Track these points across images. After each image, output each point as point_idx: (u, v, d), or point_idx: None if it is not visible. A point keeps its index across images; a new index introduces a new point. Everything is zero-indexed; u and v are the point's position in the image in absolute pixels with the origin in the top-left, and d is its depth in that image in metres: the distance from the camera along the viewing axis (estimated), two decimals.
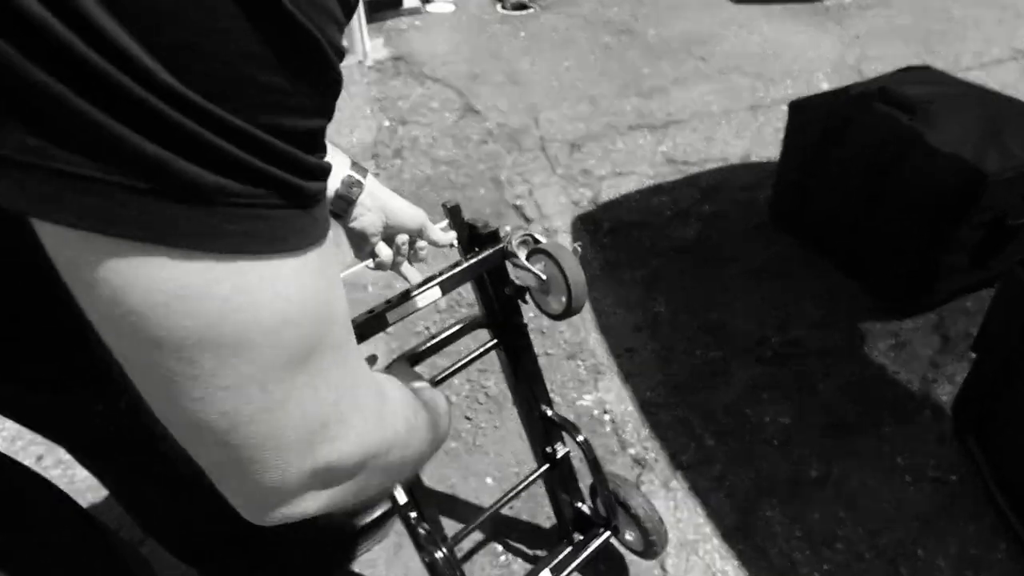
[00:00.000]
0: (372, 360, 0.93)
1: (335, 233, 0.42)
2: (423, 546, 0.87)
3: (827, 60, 2.89)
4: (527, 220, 2.08)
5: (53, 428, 0.71)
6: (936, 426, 1.40)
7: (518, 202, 2.15)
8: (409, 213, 0.78)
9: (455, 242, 0.87)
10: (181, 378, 0.27)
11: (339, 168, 0.72)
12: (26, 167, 0.23)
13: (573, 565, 1.04)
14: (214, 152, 0.25)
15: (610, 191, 2.18)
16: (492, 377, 1.55)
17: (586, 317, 1.72)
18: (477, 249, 0.85)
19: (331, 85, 0.30)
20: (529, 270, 0.83)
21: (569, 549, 1.08)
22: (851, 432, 1.40)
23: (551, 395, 1.49)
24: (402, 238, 0.79)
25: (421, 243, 0.83)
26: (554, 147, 2.40)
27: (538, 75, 2.89)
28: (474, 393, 1.52)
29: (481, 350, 0.95)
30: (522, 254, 0.84)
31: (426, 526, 0.88)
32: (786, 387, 1.51)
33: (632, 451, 1.38)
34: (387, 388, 0.43)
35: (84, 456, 0.78)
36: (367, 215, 0.74)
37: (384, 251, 0.79)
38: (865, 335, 1.64)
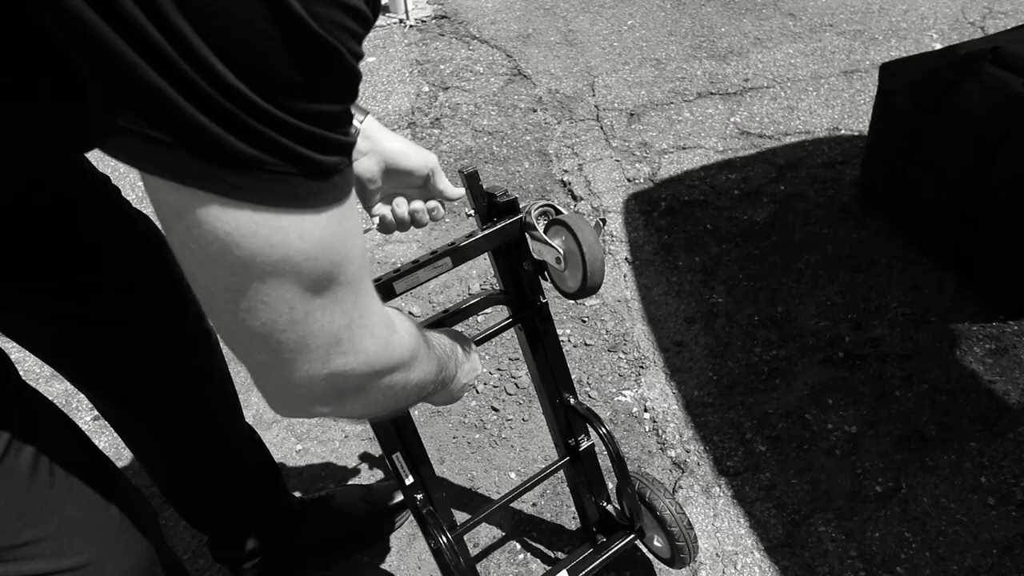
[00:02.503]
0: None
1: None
2: (428, 530, 0.96)
3: (944, 16, 2.80)
4: (575, 198, 2.14)
5: (90, 373, 0.89)
6: None
7: (566, 178, 2.21)
8: (414, 158, 0.81)
9: (471, 210, 0.94)
10: (235, 292, 0.43)
11: None
12: (130, 133, 0.39)
13: (592, 567, 1.11)
14: (253, 132, 0.39)
15: (671, 167, 2.21)
16: (524, 367, 1.63)
17: (633, 306, 1.77)
18: (495, 220, 0.92)
19: (349, 81, 0.42)
20: (546, 243, 0.89)
21: (590, 551, 1.15)
22: (929, 445, 1.41)
23: (587, 388, 1.57)
24: (404, 201, 0.84)
25: (432, 203, 0.87)
26: (610, 116, 2.45)
27: (598, 34, 2.93)
28: (503, 383, 1.61)
29: (497, 327, 1.03)
30: (541, 226, 0.91)
31: (432, 509, 0.97)
32: (857, 392, 1.52)
33: (672, 453, 1.44)
34: (397, 323, 0.57)
35: (117, 409, 0.93)
36: (361, 160, 0.78)
37: (383, 210, 0.84)
38: (958, 337, 1.62)
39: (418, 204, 0.86)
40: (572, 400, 1.10)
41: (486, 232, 0.90)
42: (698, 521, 1.31)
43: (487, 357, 1.67)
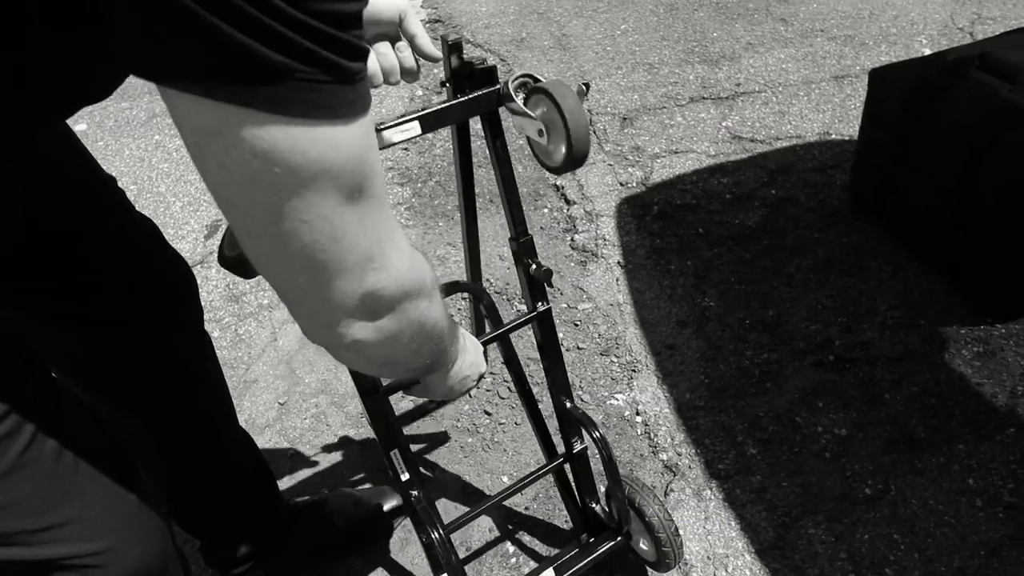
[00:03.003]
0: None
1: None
2: (421, 525, 0.97)
3: (933, 21, 2.83)
4: (568, 202, 2.15)
5: (89, 372, 0.89)
6: (1020, 446, 1.40)
7: (558, 182, 2.22)
8: (380, 5, 0.75)
9: (448, 81, 0.86)
10: (275, 213, 0.43)
11: None
12: (158, 53, 0.39)
13: (578, 567, 1.12)
14: (279, 38, 0.38)
15: (663, 171, 2.23)
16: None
17: (625, 310, 1.79)
18: (469, 90, 0.86)
19: None
20: (526, 114, 0.82)
21: (577, 550, 1.16)
22: (918, 448, 1.42)
23: (579, 392, 1.58)
24: (388, 46, 0.78)
25: (404, 51, 0.80)
26: (603, 121, 2.46)
27: (591, 39, 2.95)
28: (496, 387, 1.62)
29: (508, 326, 1.05)
30: (520, 98, 0.83)
31: (425, 505, 0.98)
32: (847, 395, 1.54)
33: (664, 456, 1.45)
34: (416, 251, 0.58)
35: (116, 407, 0.95)
36: None
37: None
38: (947, 340, 1.64)
39: (402, 44, 0.80)
40: (568, 404, 1.12)
41: (460, 100, 0.85)
42: (689, 524, 1.32)
43: None
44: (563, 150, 0.79)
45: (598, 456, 1.10)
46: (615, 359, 1.67)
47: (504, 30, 3.08)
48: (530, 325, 1.06)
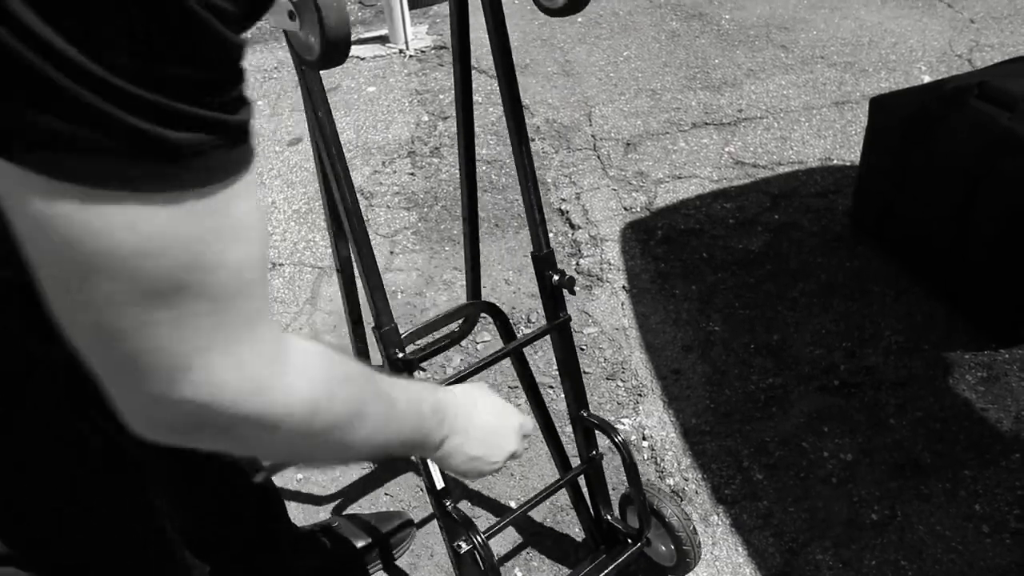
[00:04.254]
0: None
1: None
2: (456, 534, 1.00)
3: (932, 49, 2.88)
4: (572, 226, 2.18)
5: None
6: None
7: (563, 206, 2.25)
8: None
9: None
10: (61, 288, 0.37)
11: None
12: None
13: None
14: (62, 94, 0.32)
15: (667, 196, 2.26)
16: (523, 395, 1.65)
17: (631, 334, 1.81)
18: None
19: (209, 42, 0.35)
20: None
21: (596, 563, 1.18)
22: (924, 473, 1.43)
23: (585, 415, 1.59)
24: None
25: None
26: (607, 146, 2.50)
27: (594, 65, 3.00)
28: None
29: (528, 338, 1.11)
30: None
31: (461, 511, 1.01)
32: (852, 420, 1.55)
33: (671, 481, 1.46)
34: (296, 363, 0.46)
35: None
36: None
37: None
38: (951, 365, 1.65)
39: None
40: (586, 413, 1.17)
41: None
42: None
43: (487, 384, 1.69)
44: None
45: (610, 468, 1.12)
46: (621, 383, 1.68)
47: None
48: (545, 337, 1.12)
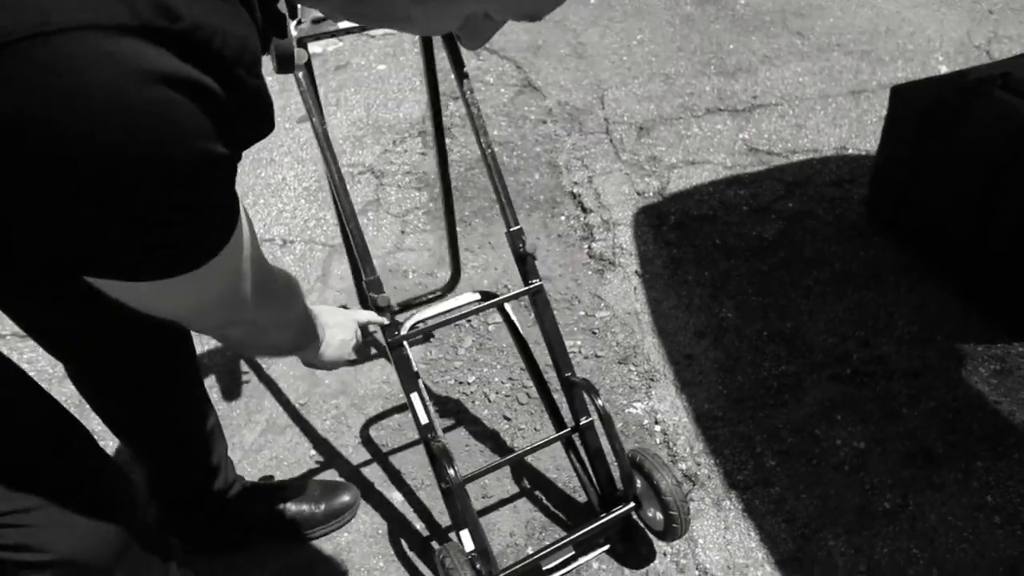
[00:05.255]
0: None
1: None
2: (439, 468, 1.07)
3: (950, 39, 2.85)
4: (584, 210, 2.17)
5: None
6: None
7: (575, 190, 2.24)
8: None
9: None
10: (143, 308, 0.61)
11: None
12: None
13: (589, 532, 1.19)
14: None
15: (680, 181, 2.24)
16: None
17: (643, 319, 1.80)
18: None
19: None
20: None
21: (592, 525, 1.20)
22: (936, 463, 1.43)
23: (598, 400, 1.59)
24: None
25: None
26: (620, 130, 2.48)
27: (607, 48, 2.97)
28: (515, 392, 1.63)
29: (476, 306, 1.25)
30: None
31: (444, 445, 1.08)
32: (865, 409, 1.55)
33: (683, 466, 1.46)
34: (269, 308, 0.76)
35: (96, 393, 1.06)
36: None
37: None
38: (964, 357, 1.65)
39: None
40: (570, 375, 1.23)
41: None
42: (709, 534, 1.33)
43: (498, 367, 1.69)
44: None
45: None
46: (633, 367, 1.68)
47: (520, 37, 3.10)
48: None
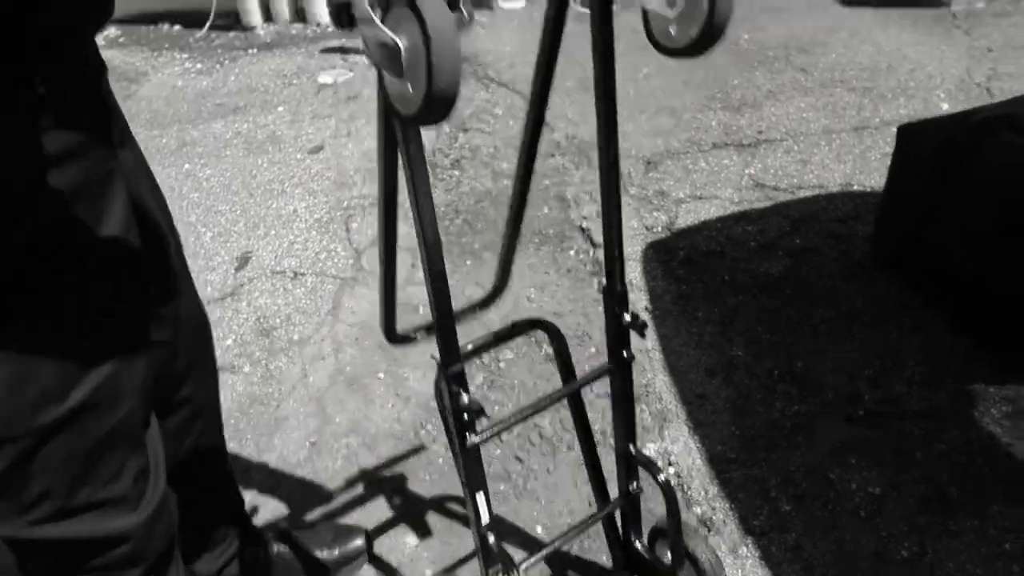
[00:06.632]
0: None
1: None
2: (495, 567, 0.99)
3: (950, 76, 2.87)
4: (593, 244, 2.16)
5: None
6: None
7: (584, 224, 2.24)
8: None
9: None
10: None
11: None
12: None
13: None
14: None
15: (688, 216, 2.24)
16: (547, 416, 1.63)
17: (654, 356, 1.78)
18: None
19: None
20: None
21: None
22: (952, 508, 1.41)
23: (611, 439, 1.57)
24: None
25: None
26: (627, 164, 2.49)
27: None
28: (527, 432, 1.61)
29: (589, 377, 1.15)
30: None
31: (504, 548, 1.00)
32: (879, 452, 1.53)
33: (698, 510, 1.44)
34: None
35: None
36: None
37: None
38: (976, 398, 1.64)
39: None
40: (633, 448, 1.16)
41: None
42: None
43: (509, 405, 1.67)
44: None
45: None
46: (645, 407, 1.66)
47: (527, 70, 3.10)
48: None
